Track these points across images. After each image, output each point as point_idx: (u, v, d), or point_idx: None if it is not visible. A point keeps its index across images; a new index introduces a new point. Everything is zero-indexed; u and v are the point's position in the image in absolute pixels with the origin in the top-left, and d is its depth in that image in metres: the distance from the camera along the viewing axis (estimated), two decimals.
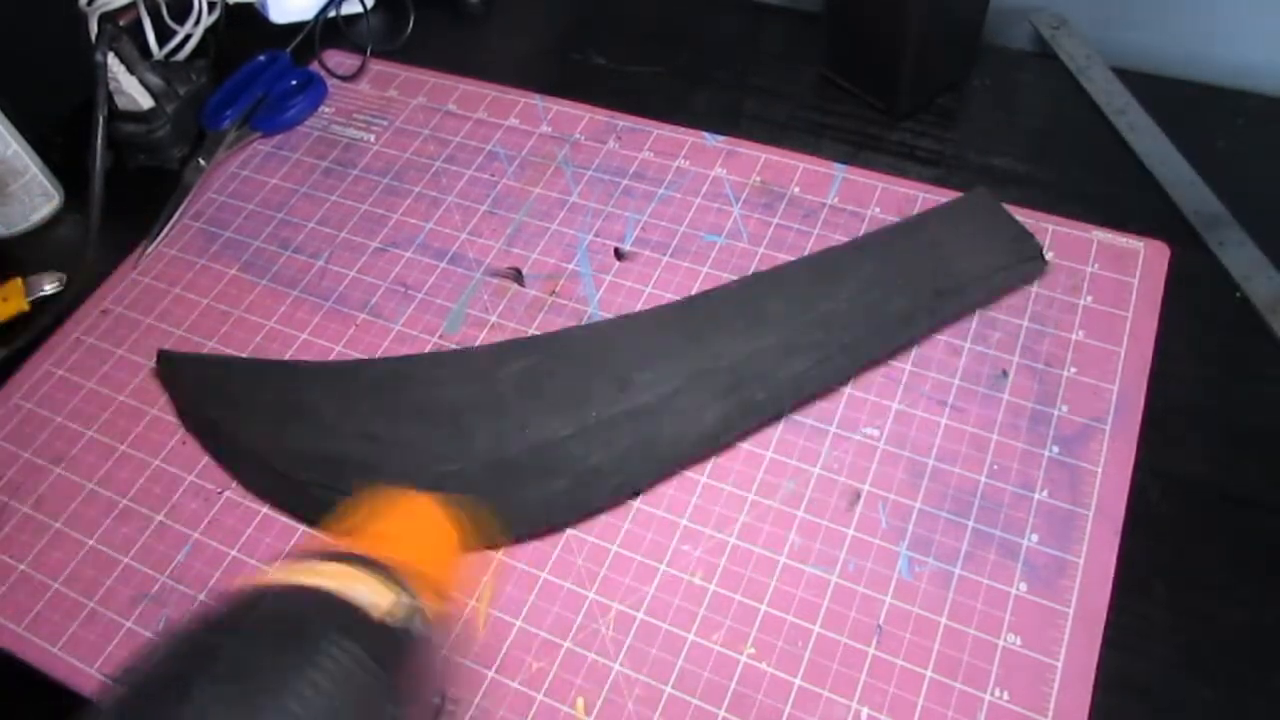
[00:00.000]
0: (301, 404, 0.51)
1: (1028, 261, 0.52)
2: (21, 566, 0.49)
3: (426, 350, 0.54)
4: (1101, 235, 0.54)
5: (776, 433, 0.49)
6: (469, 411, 0.49)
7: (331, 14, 0.72)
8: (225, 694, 0.25)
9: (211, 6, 0.72)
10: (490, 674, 0.43)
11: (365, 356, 0.54)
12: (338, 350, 0.55)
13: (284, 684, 0.26)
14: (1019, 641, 0.42)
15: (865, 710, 0.41)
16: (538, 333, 0.53)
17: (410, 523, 0.38)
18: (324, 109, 0.68)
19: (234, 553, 0.48)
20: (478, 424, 0.48)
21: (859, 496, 0.46)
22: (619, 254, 0.57)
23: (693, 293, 0.54)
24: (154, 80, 0.65)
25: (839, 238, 0.56)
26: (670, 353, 0.49)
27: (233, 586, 0.30)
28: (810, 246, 0.55)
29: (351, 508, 0.37)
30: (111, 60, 0.61)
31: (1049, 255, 0.53)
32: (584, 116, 0.64)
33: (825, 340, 0.49)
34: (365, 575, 0.31)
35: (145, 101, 0.64)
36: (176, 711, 0.25)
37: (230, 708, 0.25)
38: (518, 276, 0.57)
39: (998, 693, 0.40)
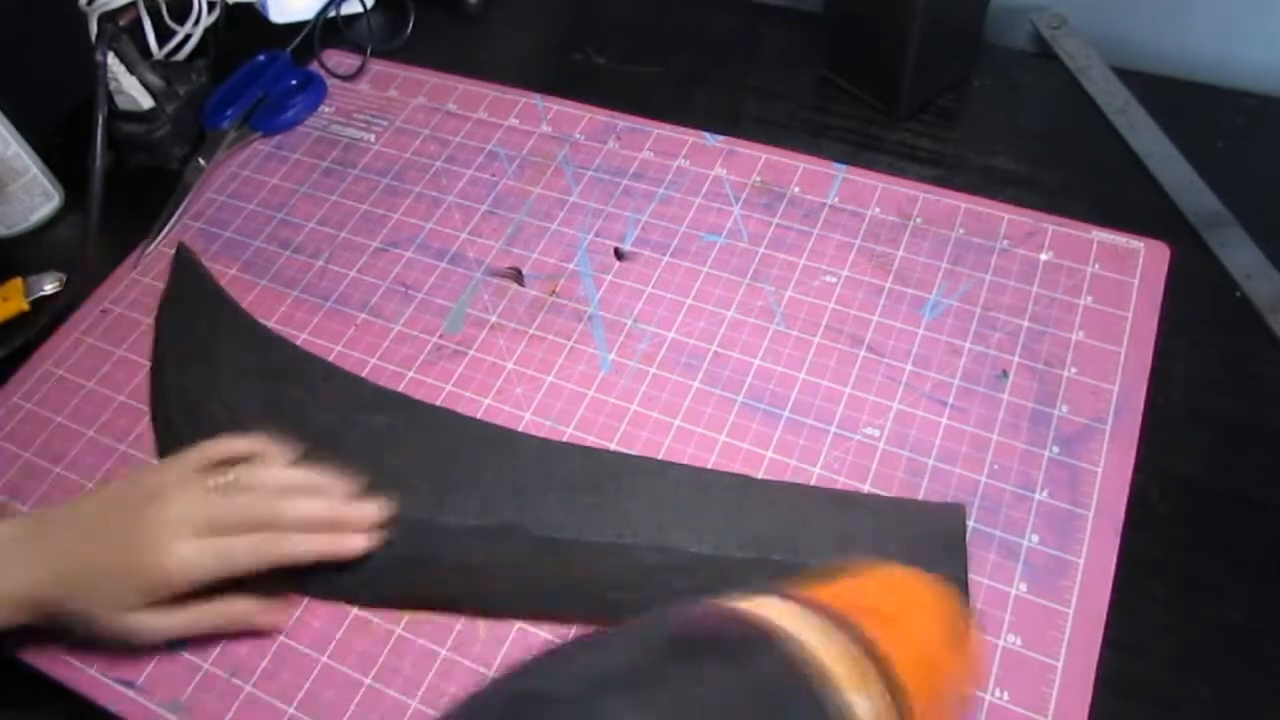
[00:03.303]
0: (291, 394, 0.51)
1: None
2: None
3: (425, 350, 0.54)
4: (1101, 235, 0.54)
5: (777, 433, 0.49)
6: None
7: (331, 14, 0.72)
8: None
9: (211, 6, 0.72)
10: (490, 674, 0.43)
11: (365, 357, 0.54)
12: (338, 350, 0.55)
13: None
14: (1019, 641, 0.42)
15: None
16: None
17: (911, 606, 0.30)
18: (324, 109, 0.68)
19: None
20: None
21: None
22: (619, 254, 0.57)
23: (694, 291, 0.54)
24: (154, 80, 0.65)
25: (839, 238, 0.56)
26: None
27: (727, 606, 0.25)
28: (810, 246, 0.55)
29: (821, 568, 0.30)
30: (111, 60, 0.61)
31: (1049, 255, 0.53)
32: (584, 116, 0.64)
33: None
34: (872, 676, 0.24)
35: (145, 101, 0.64)
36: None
37: None
38: (518, 276, 0.57)
39: (998, 693, 0.40)
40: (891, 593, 0.30)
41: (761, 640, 0.24)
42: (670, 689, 0.22)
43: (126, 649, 0.44)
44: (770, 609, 0.26)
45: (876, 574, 0.31)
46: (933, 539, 0.43)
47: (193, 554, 0.42)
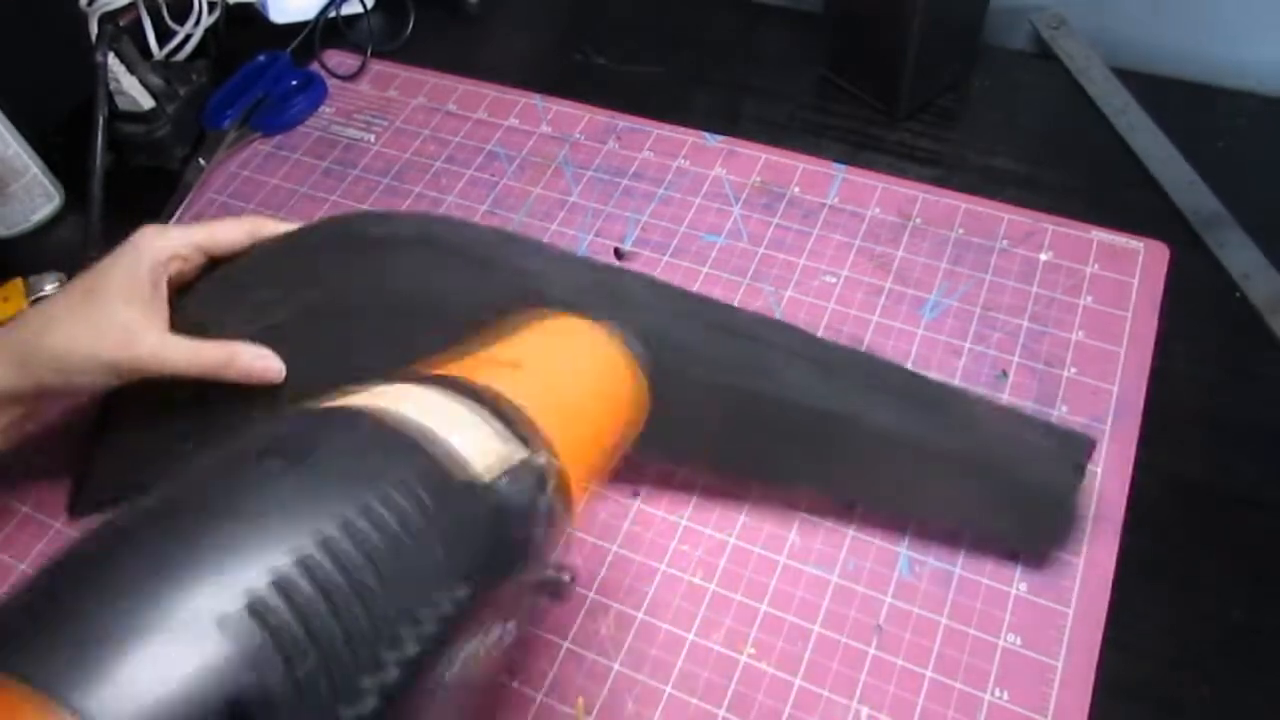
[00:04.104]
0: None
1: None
2: (22, 566, 0.49)
3: None
4: (1101, 235, 0.54)
5: None
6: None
7: (331, 14, 0.72)
8: (238, 537, 0.20)
9: (211, 6, 0.72)
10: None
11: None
12: None
13: (312, 535, 0.20)
14: (1019, 641, 0.42)
15: (865, 710, 0.41)
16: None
17: (570, 350, 0.30)
18: (324, 109, 0.68)
19: None
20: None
21: None
22: (619, 254, 0.57)
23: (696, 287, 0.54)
24: (154, 80, 0.65)
25: (839, 238, 0.56)
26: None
27: (314, 401, 0.24)
28: (810, 247, 0.55)
29: (497, 320, 0.30)
30: (112, 60, 0.61)
31: (1048, 255, 0.53)
32: (584, 116, 0.64)
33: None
34: (481, 421, 0.24)
35: (145, 101, 0.64)
36: (192, 530, 0.20)
37: (241, 554, 0.19)
38: None
39: (998, 693, 0.40)
40: (539, 342, 0.31)
41: (343, 423, 0.23)
42: (219, 502, 0.21)
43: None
44: (370, 394, 0.25)
45: (533, 326, 0.31)
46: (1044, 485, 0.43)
47: (158, 231, 0.42)
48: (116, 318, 0.41)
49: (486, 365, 0.28)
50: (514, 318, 0.31)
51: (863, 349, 0.47)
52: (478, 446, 0.24)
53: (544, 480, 0.25)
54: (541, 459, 0.25)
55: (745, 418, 0.43)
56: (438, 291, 0.43)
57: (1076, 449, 0.43)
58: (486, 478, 0.24)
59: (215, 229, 0.44)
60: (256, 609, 0.18)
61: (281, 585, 0.19)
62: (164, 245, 0.42)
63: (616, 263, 0.56)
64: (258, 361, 0.43)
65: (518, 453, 0.24)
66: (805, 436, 0.43)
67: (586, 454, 0.28)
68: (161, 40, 0.71)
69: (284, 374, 0.44)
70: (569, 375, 0.30)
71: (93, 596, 0.19)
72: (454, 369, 0.27)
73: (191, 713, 0.17)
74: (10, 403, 0.42)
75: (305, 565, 0.19)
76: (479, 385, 0.26)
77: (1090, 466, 0.46)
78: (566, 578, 0.27)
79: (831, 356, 0.45)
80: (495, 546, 0.24)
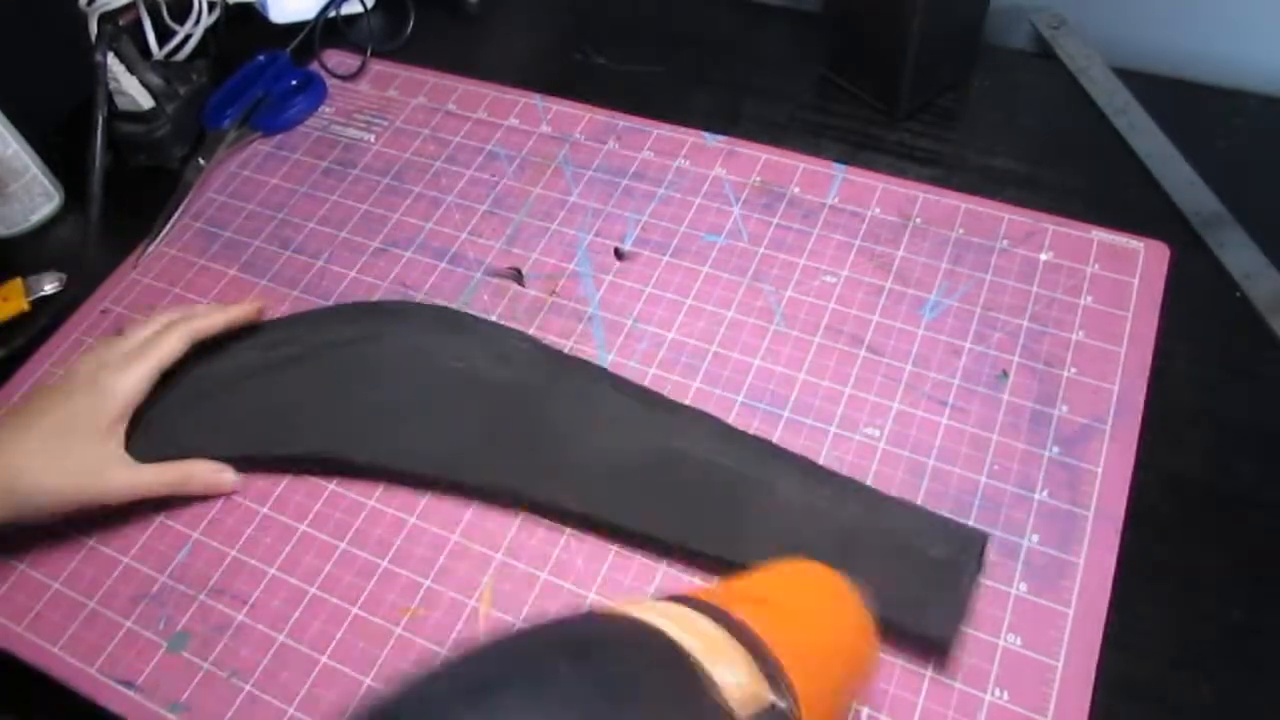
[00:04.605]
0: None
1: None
2: (21, 566, 0.49)
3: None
4: (1101, 235, 0.54)
5: (777, 433, 0.49)
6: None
7: (331, 14, 0.72)
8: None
9: (211, 6, 0.72)
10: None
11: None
12: None
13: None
14: (1019, 641, 0.42)
15: (865, 710, 0.41)
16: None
17: (813, 602, 0.31)
18: (324, 109, 0.68)
19: (234, 553, 0.48)
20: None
21: None
22: (619, 254, 0.57)
23: (694, 291, 0.54)
24: (154, 80, 0.65)
25: (839, 238, 0.56)
26: None
27: (586, 606, 0.27)
28: (810, 246, 0.55)
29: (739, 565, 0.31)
30: (111, 60, 0.61)
31: (1049, 255, 0.53)
32: (584, 116, 0.64)
33: None
34: (737, 652, 0.25)
35: (145, 101, 0.64)
36: None
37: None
38: (518, 276, 0.57)
39: (998, 693, 0.40)
40: (787, 584, 0.32)
41: (620, 632, 0.25)
42: (514, 692, 0.22)
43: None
44: (638, 609, 0.26)
45: (778, 568, 0.32)
46: (936, 565, 0.42)
47: (118, 368, 0.46)
48: (88, 459, 0.45)
49: (739, 599, 0.28)
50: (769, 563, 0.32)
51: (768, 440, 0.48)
52: (736, 681, 0.25)
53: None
54: (786, 704, 0.25)
55: (659, 474, 0.46)
56: (443, 349, 0.51)
57: (973, 543, 0.42)
58: (741, 715, 0.24)
59: (161, 349, 0.48)
60: None
61: None
62: (130, 390, 0.46)
63: (618, 262, 0.56)
64: (211, 476, 0.49)
65: (769, 695, 0.25)
66: (713, 497, 0.45)
67: (823, 705, 0.28)
68: (161, 40, 0.71)
69: (235, 486, 0.49)
70: (813, 621, 0.30)
71: None
72: (709, 596, 0.28)
73: None
74: None
75: None
76: (735, 617, 0.26)
77: (1090, 466, 0.46)
78: None
79: (737, 434, 0.47)
80: None
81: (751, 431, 0.48)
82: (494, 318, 0.55)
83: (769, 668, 0.25)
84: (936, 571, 0.41)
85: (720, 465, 0.45)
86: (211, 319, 0.50)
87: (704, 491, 0.45)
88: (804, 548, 0.41)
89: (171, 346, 0.48)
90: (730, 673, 0.25)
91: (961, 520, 0.44)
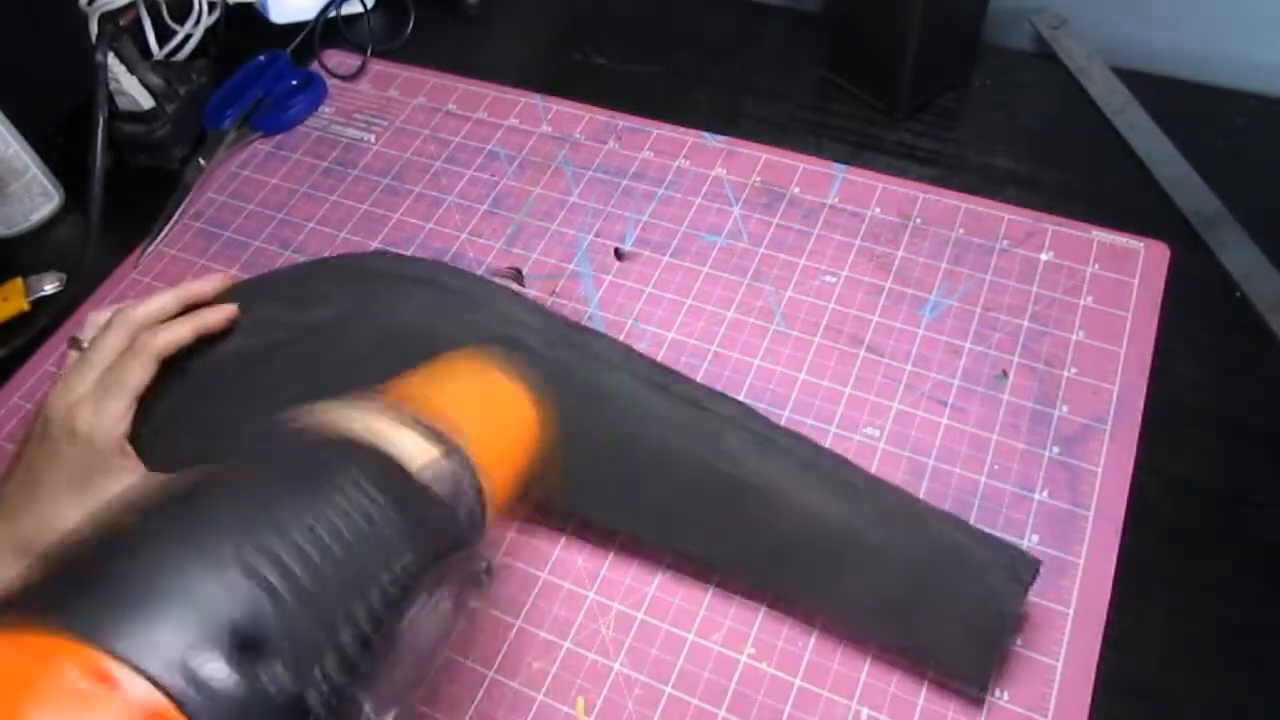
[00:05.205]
0: None
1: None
2: None
3: None
4: (1101, 235, 0.54)
5: None
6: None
7: (331, 14, 0.72)
8: (228, 518, 0.25)
9: (211, 6, 0.72)
10: (490, 674, 0.43)
11: None
12: None
13: (293, 516, 0.25)
14: (1019, 641, 0.42)
15: (865, 710, 0.41)
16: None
17: (480, 392, 0.36)
18: (324, 109, 0.68)
19: None
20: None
21: None
22: (619, 254, 0.57)
23: (694, 291, 0.54)
24: (154, 80, 0.65)
25: (839, 238, 0.56)
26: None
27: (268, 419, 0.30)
28: (810, 246, 0.56)
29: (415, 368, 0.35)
30: (112, 60, 0.61)
31: (1049, 255, 0.53)
32: (584, 116, 0.64)
33: None
34: (409, 429, 0.30)
35: (145, 101, 0.64)
36: (185, 530, 0.24)
37: (233, 530, 0.24)
38: (518, 276, 0.57)
39: (998, 693, 0.40)
40: (471, 380, 0.36)
41: (314, 435, 0.29)
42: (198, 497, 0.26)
43: None
44: (334, 411, 0.31)
45: (444, 368, 0.36)
46: (980, 606, 0.39)
47: (92, 409, 0.43)
48: (107, 496, 0.43)
49: (417, 394, 0.34)
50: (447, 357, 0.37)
51: (804, 437, 0.45)
52: (410, 449, 0.30)
53: (460, 473, 0.31)
54: (457, 458, 0.31)
55: (686, 485, 0.43)
56: (433, 325, 0.47)
57: (1023, 568, 0.39)
58: (417, 468, 0.29)
59: (131, 380, 0.44)
60: (251, 570, 0.23)
61: (270, 554, 0.24)
62: (110, 430, 0.43)
63: (618, 262, 0.56)
64: None
65: (437, 450, 0.30)
66: (731, 510, 0.42)
67: (498, 466, 0.33)
68: (161, 40, 0.71)
69: None
70: (477, 401, 0.36)
71: (126, 555, 0.24)
72: (392, 395, 0.33)
73: (204, 629, 0.22)
74: None
75: (292, 541, 0.25)
76: (407, 407, 0.32)
77: (1090, 466, 0.46)
78: (483, 565, 0.32)
79: (771, 434, 0.44)
80: (430, 522, 0.29)
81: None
82: None
83: (435, 434, 0.30)
84: (980, 615, 0.39)
85: (753, 478, 0.42)
86: (176, 332, 0.46)
87: (732, 507, 0.42)
88: (837, 572, 0.41)
89: (140, 375, 0.44)
90: (410, 444, 0.30)
91: (1013, 541, 0.41)
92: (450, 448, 0.31)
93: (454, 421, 0.32)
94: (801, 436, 0.44)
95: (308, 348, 0.48)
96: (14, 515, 0.43)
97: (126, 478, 0.43)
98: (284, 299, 0.50)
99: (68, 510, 0.43)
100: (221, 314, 0.48)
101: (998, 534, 0.42)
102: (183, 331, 0.46)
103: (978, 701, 0.40)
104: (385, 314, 0.48)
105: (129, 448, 0.44)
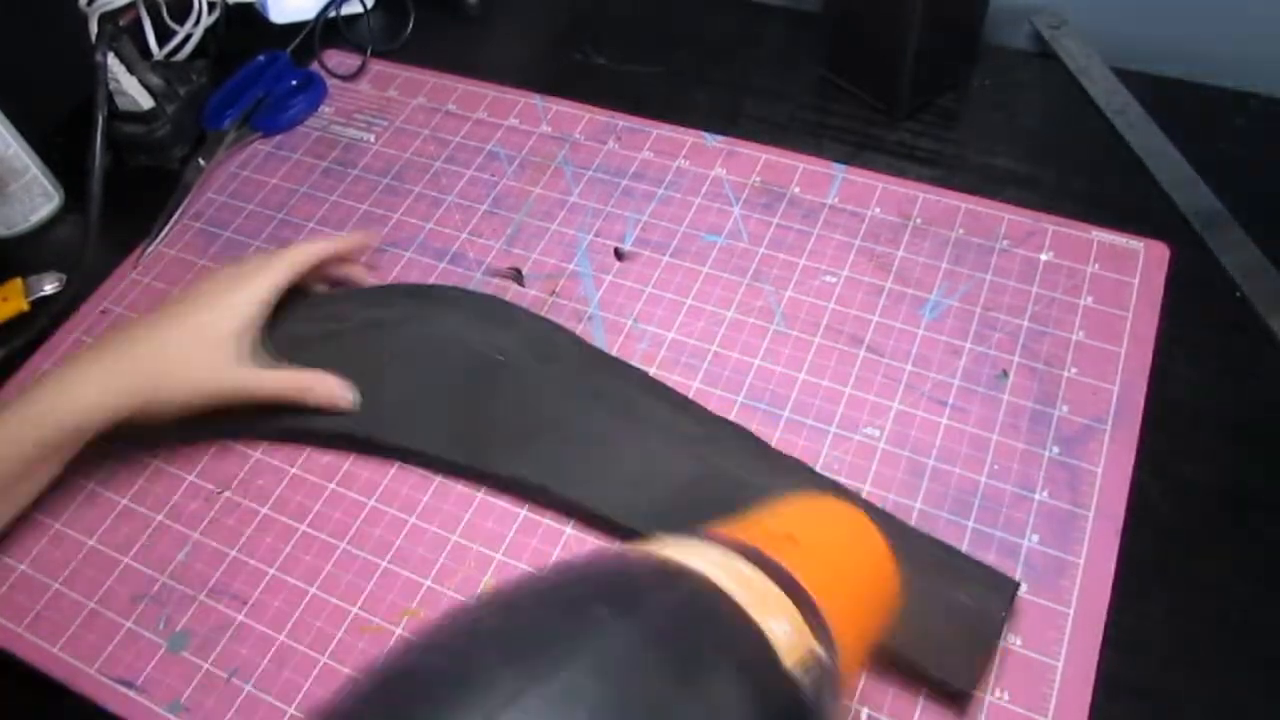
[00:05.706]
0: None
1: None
2: (22, 567, 0.49)
3: None
4: (1101, 235, 0.54)
5: (776, 433, 0.49)
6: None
7: (331, 14, 0.72)
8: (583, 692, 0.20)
9: (211, 6, 0.72)
10: None
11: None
12: None
13: (652, 703, 0.20)
14: (1019, 642, 0.42)
15: (865, 710, 0.41)
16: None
17: (841, 543, 0.29)
18: (324, 109, 0.68)
19: (234, 553, 0.48)
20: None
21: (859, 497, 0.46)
22: (619, 254, 0.57)
23: (693, 291, 0.54)
24: (154, 80, 0.65)
25: (839, 238, 0.56)
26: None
27: (631, 550, 0.24)
28: (810, 246, 0.55)
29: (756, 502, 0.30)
30: (111, 60, 0.61)
31: (1049, 255, 0.53)
32: (584, 116, 0.64)
33: None
34: (793, 609, 0.24)
35: (145, 101, 0.64)
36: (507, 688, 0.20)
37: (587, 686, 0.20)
38: (518, 276, 0.57)
39: (998, 693, 0.40)
40: (811, 520, 0.30)
41: (664, 578, 0.23)
42: (560, 646, 0.21)
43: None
44: (671, 549, 0.25)
45: (800, 502, 0.31)
46: (965, 611, 0.40)
47: (231, 290, 0.49)
48: (213, 360, 0.47)
49: (769, 537, 0.27)
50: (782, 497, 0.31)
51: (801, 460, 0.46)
52: (784, 632, 0.23)
53: (832, 681, 0.24)
54: (833, 659, 0.24)
55: (694, 489, 0.45)
56: (465, 338, 0.51)
57: (1004, 588, 0.41)
58: (795, 670, 0.23)
59: (275, 269, 0.50)
60: None
61: None
62: (245, 305, 0.49)
63: (618, 262, 0.56)
64: (332, 390, 0.49)
65: (815, 646, 0.24)
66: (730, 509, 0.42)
67: (854, 648, 0.27)
68: (161, 40, 0.71)
69: (354, 407, 0.50)
70: (840, 560, 0.29)
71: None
72: (738, 533, 0.26)
73: None
74: (107, 424, 0.46)
75: None
76: (773, 560, 0.25)
77: (1090, 466, 0.46)
78: None
79: (774, 454, 0.46)
80: None
81: (752, 430, 0.48)
82: None
83: (812, 616, 0.24)
84: (965, 618, 0.40)
85: (755, 484, 0.44)
86: (319, 245, 0.52)
87: (736, 510, 0.43)
88: None
89: (282, 268, 0.50)
90: (778, 624, 0.23)
91: (998, 568, 0.42)
92: (826, 640, 0.25)
93: (817, 584, 0.26)
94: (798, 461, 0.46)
95: (360, 341, 0.52)
96: (137, 345, 0.47)
97: (228, 355, 0.47)
98: (355, 300, 0.55)
99: (162, 359, 0.47)
100: (362, 238, 0.56)
101: (977, 559, 0.42)
102: (325, 245, 0.53)
103: (978, 702, 0.40)
104: (430, 324, 0.52)
105: (247, 337, 0.48)
